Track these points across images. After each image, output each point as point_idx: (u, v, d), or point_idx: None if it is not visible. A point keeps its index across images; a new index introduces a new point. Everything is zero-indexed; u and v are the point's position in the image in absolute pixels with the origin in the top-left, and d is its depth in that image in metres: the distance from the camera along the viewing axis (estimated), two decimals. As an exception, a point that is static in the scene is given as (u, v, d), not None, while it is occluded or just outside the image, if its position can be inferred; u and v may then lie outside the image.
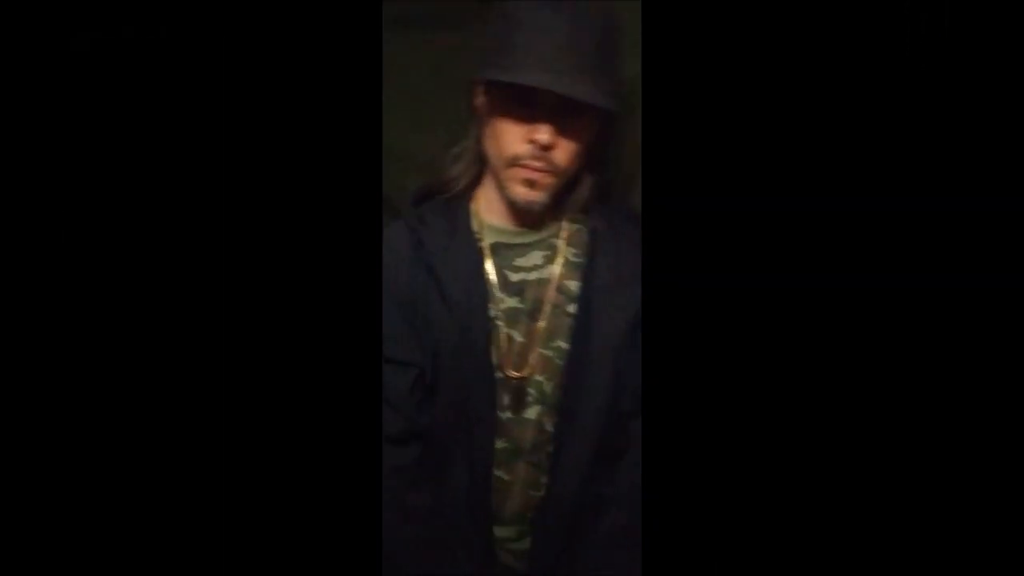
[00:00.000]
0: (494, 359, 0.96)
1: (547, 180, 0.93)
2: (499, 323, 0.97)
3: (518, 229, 0.99)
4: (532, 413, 0.97)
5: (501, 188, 0.96)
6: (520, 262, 0.99)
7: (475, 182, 1.00)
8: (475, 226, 0.99)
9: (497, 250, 0.99)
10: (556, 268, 0.98)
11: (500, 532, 0.98)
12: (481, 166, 0.98)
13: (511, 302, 0.97)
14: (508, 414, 0.97)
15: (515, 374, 0.96)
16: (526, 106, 0.89)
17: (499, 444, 0.96)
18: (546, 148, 0.90)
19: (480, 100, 0.94)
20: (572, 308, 0.97)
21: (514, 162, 0.92)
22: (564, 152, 0.91)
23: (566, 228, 1.00)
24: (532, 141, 0.90)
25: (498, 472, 0.97)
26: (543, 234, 1.00)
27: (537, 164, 0.91)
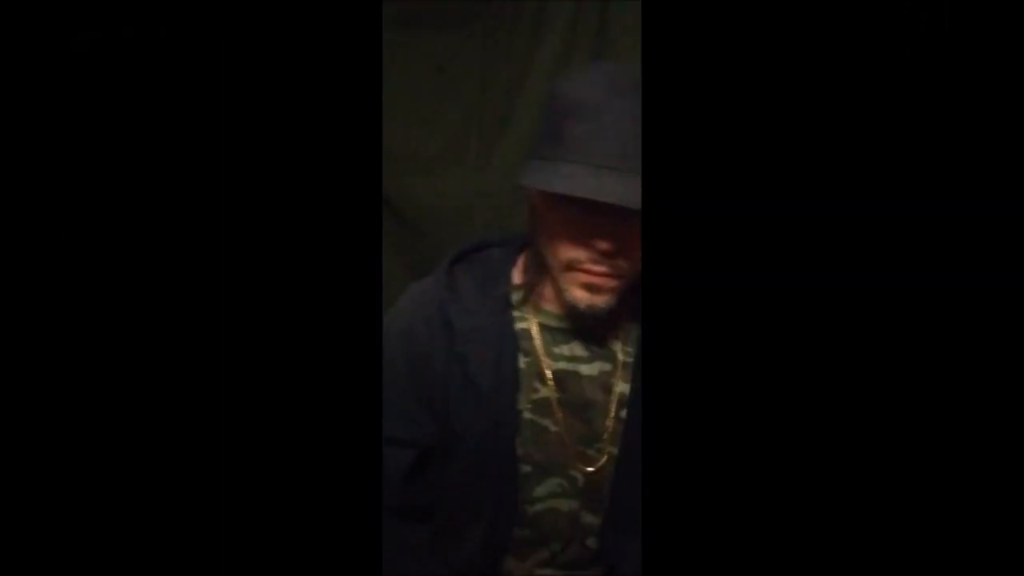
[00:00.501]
0: (525, 453, 0.88)
1: (611, 284, 0.83)
2: (537, 418, 0.88)
3: (567, 323, 0.90)
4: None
5: (559, 290, 0.86)
6: (559, 350, 0.90)
7: (531, 275, 0.90)
8: (517, 311, 0.90)
9: (540, 332, 0.90)
10: (603, 365, 0.90)
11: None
12: (539, 267, 0.88)
13: (546, 392, 0.89)
14: (536, 507, 0.90)
15: (590, 470, 0.88)
16: (585, 211, 0.79)
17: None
18: (608, 255, 0.81)
19: (535, 198, 0.85)
20: (621, 413, 0.89)
21: (573, 266, 0.83)
22: (629, 258, 0.82)
23: (621, 323, 0.90)
24: (593, 247, 0.81)
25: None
26: (602, 349, 0.91)
27: (599, 269, 0.82)
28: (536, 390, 0.88)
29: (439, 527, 0.91)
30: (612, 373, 0.89)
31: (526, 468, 0.88)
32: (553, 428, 0.88)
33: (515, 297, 0.89)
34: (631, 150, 0.75)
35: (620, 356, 0.89)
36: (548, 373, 0.88)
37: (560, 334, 0.89)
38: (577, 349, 0.89)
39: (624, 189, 0.75)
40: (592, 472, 0.88)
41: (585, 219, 0.79)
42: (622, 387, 0.89)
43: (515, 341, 0.88)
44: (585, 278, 0.82)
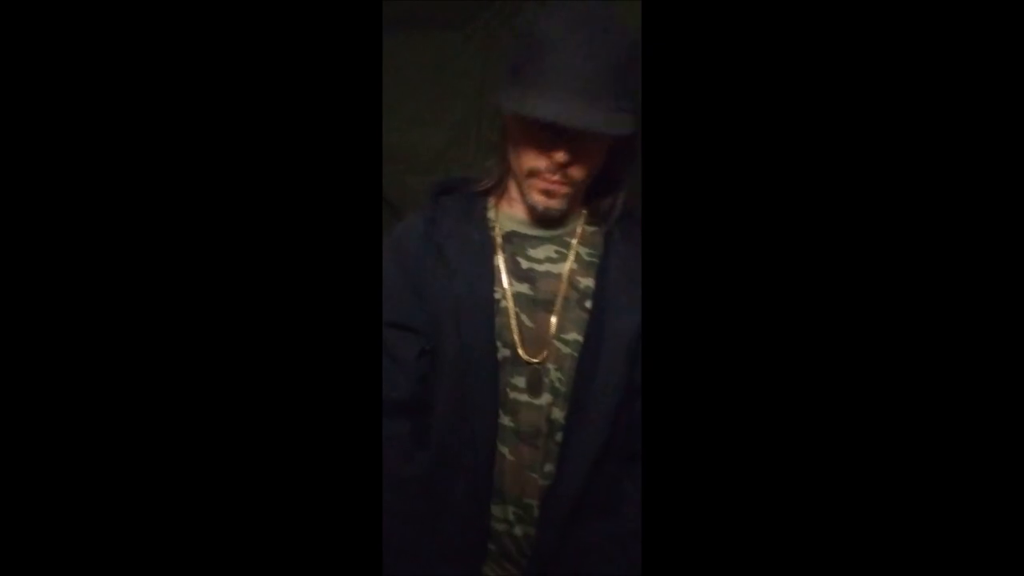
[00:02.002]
0: (501, 339, 1.00)
1: (563, 190, 1.00)
2: (505, 305, 1.01)
3: (534, 226, 1.05)
4: (543, 400, 1.00)
5: (522, 194, 1.03)
6: (532, 253, 1.04)
7: (499, 184, 1.06)
8: (491, 216, 1.06)
9: (510, 238, 1.04)
10: (568, 264, 1.03)
11: (496, 511, 1.01)
12: (505, 172, 1.05)
13: (520, 287, 1.02)
14: (516, 395, 1.00)
15: (532, 359, 0.99)
16: (545, 129, 0.94)
17: (504, 421, 1.00)
18: (564, 165, 0.97)
19: (508, 119, 1.01)
20: (586, 303, 1.01)
21: (533, 174, 0.99)
22: (581, 169, 0.99)
23: (580, 228, 1.05)
24: (550, 157, 0.97)
25: (501, 448, 1.00)
26: (558, 231, 1.05)
27: (554, 177, 0.98)
28: (512, 284, 1.01)
29: (434, 419, 1.01)
30: (577, 271, 1.03)
31: (504, 352, 1.00)
32: (528, 323, 1.00)
33: (491, 209, 1.06)
34: (589, 77, 0.91)
35: (584, 256, 1.04)
36: (523, 269, 1.02)
37: (531, 239, 1.04)
38: (548, 251, 1.04)
39: (583, 113, 0.91)
40: (538, 360, 1.00)
41: (547, 136, 0.95)
42: (586, 282, 1.03)
43: (491, 241, 1.03)
44: (543, 184, 0.99)
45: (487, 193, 1.06)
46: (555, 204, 1.00)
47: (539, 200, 1.00)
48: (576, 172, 0.98)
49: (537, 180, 0.99)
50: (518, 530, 1.00)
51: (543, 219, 1.03)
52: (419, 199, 1.33)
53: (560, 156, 0.95)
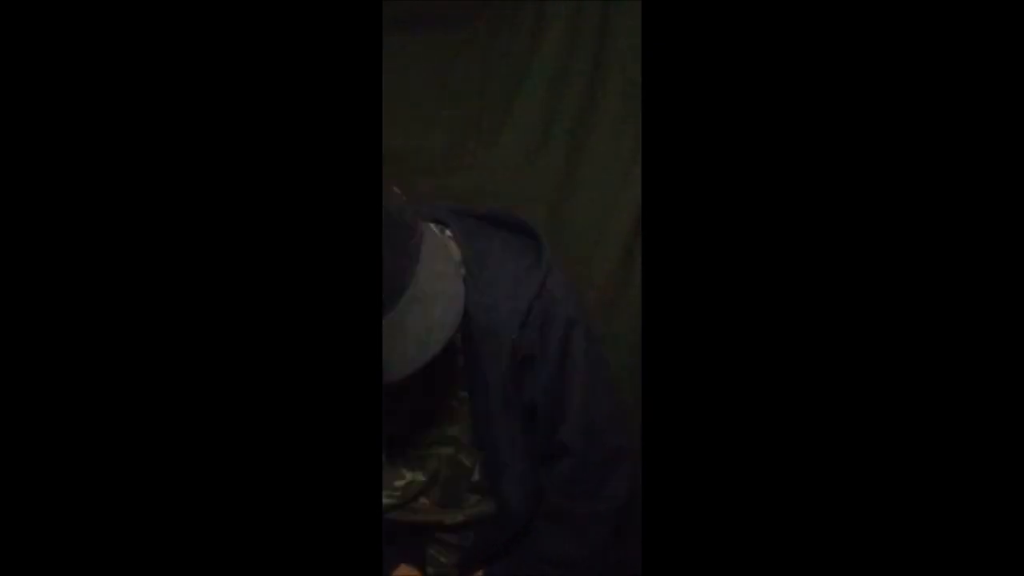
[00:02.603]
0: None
1: None
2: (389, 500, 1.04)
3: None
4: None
5: None
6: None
7: None
8: None
9: None
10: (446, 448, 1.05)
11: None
12: None
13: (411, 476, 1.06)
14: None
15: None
16: None
17: (412, 477, 1.04)
18: None
19: None
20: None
21: None
22: None
23: None
24: None
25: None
26: None
27: None
28: (403, 476, 1.03)
29: None
30: (455, 453, 1.03)
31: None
32: (424, 500, 1.03)
33: None
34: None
35: (459, 437, 1.02)
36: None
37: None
38: (432, 436, 1.04)
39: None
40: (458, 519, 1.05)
41: None
42: (467, 461, 1.03)
43: None
44: None
45: None
46: None
47: None
48: None
49: None
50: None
51: None
52: (419, 200, 1.33)
53: None
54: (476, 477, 1.03)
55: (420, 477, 1.04)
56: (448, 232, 1.02)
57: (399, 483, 1.04)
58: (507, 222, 1.06)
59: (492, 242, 1.03)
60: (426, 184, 1.28)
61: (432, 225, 1.00)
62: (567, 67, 1.25)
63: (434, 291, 0.88)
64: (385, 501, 1.03)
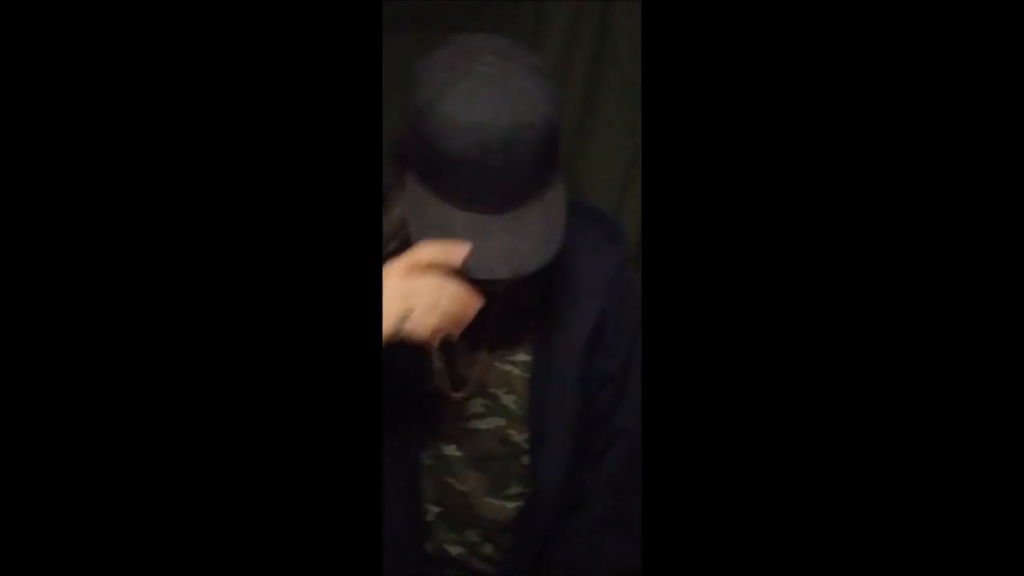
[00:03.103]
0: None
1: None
2: (439, 466, 0.96)
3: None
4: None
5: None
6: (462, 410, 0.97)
7: None
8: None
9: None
10: (496, 419, 0.96)
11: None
12: None
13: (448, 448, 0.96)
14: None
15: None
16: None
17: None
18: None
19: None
20: (518, 456, 0.95)
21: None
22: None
23: (511, 373, 0.96)
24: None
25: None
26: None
27: None
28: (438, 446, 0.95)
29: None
30: (507, 425, 0.95)
31: (431, 513, 0.96)
32: (459, 487, 0.95)
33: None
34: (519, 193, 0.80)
35: (513, 408, 0.95)
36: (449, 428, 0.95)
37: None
38: (475, 406, 0.95)
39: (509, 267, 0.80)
40: (506, 514, 0.96)
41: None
42: (516, 437, 0.95)
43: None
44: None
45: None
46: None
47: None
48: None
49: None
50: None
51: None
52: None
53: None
54: (526, 461, 0.96)
55: (456, 452, 0.96)
56: None
57: (428, 458, 0.96)
58: (582, 205, 1.02)
59: (573, 216, 0.96)
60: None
61: None
62: (567, 67, 1.25)
63: (557, 204, 0.84)
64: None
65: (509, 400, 0.95)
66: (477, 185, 0.80)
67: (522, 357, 0.94)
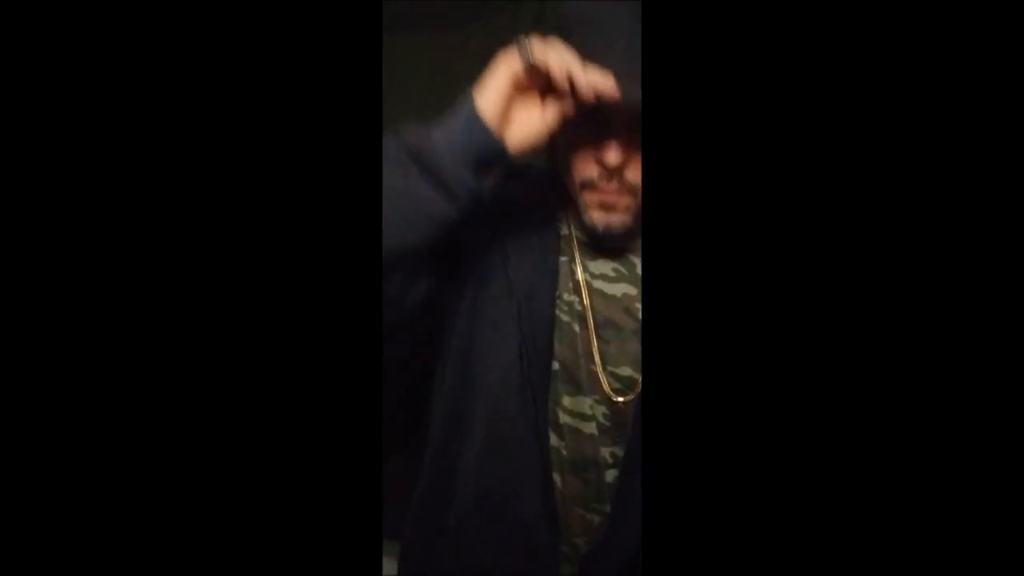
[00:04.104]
0: (555, 349, 0.89)
1: (623, 202, 0.85)
2: (564, 316, 0.89)
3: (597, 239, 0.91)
4: (592, 428, 0.90)
5: (581, 214, 0.88)
6: (591, 266, 0.91)
7: (553, 186, 0.91)
8: (560, 215, 0.93)
9: (571, 242, 0.91)
10: (624, 287, 0.91)
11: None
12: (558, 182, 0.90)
13: (573, 299, 0.90)
14: (567, 418, 0.90)
15: (619, 399, 0.89)
16: (594, 122, 0.82)
17: (554, 443, 0.90)
18: (618, 169, 0.83)
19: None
20: (639, 334, 0.89)
21: (586, 186, 0.85)
22: (637, 171, 0.83)
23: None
24: (602, 163, 0.83)
25: (553, 476, 0.90)
26: (623, 246, 0.91)
27: (611, 185, 0.84)
28: (567, 290, 0.90)
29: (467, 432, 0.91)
30: (636, 297, 0.90)
31: (556, 365, 0.89)
32: (579, 334, 0.89)
33: (558, 209, 0.92)
34: (636, 55, 0.77)
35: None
36: (579, 280, 0.89)
37: (591, 249, 0.91)
38: (604, 267, 0.91)
39: (638, 93, 0.75)
40: (619, 402, 0.89)
41: (592, 134, 0.82)
42: (639, 308, 0.89)
43: (558, 242, 0.90)
44: (599, 197, 0.85)
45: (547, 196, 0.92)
46: (616, 221, 0.85)
47: (598, 218, 0.86)
48: (633, 175, 0.83)
49: (592, 193, 0.85)
50: (565, 568, 0.90)
51: (606, 242, 0.89)
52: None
53: (612, 157, 0.81)
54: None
55: (575, 302, 0.89)
56: None
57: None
58: None
59: None
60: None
61: None
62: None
63: None
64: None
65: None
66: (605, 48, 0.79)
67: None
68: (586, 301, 0.90)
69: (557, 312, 0.89)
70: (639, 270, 0.91)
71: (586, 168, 0.84)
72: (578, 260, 0.91)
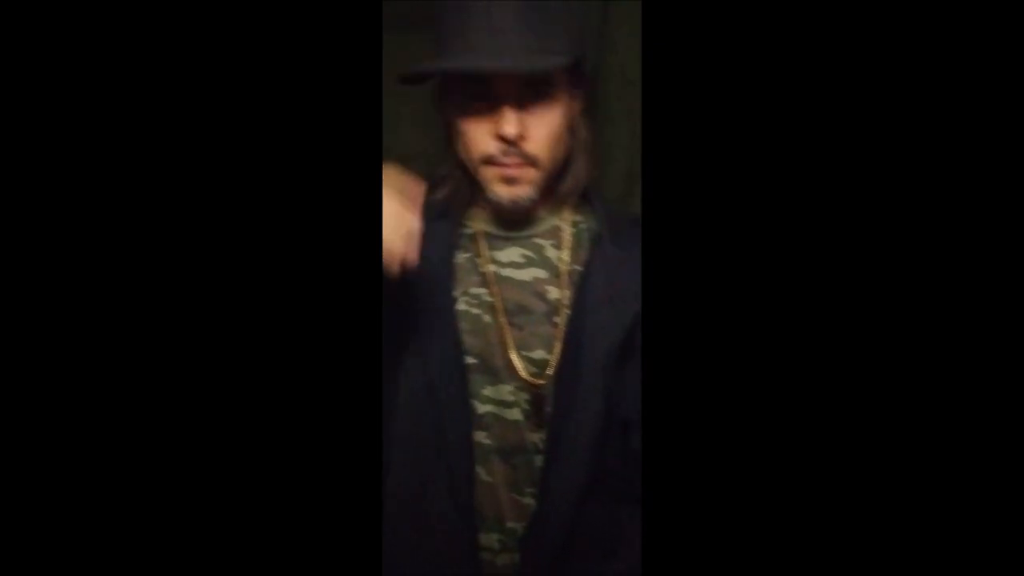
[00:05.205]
0: (467, 343, 0.90)
1: (526, 174, 0.87)
2: (473, 310, 0.91)
3: (504, 226, 0.93)
4: (515, 414, 0.91)
5: (484, 191, 0.89)
6: (497, 255, 0.93)
7: (459, 188, 0.93)
8: (466, 214, 0.95)
9: (476, 238, 0.93)
10: (535, 272, 0.93)
11: (481, 540, 0.92)
12: (461, 172, 0.92)
13: (479, 290, 0.92)
14: (489, 407, 0.91)
15: (534, 381, 0.89)
16: (484, 98, 0.84)
17: (478, 437, 0.91)
18: (516, 141, 0.84)
19: (442, 103, 0.90)
20: (554, 318, 0.91)
21: (488, 161, 0.87)
22: (538, 143, 0.86)
23: (563, 230, 0.94)
24: (499, 136, 0.84)
25: (477, 467, 0.91)
26: (529, 232, 0.94)
27: (511, 160, 0.85)
28: (473, 284, 0.91)
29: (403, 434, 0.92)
30: (546, 279, 0.92)
31: (470, 359, 0.90)
32: (491, 324, 0.91)
33: (467, 208, 0.94)
34: (513, 32, 0.80)
35: (558, 265, 0.92)
36: (486, 272, 0.91)
37: (498, 240, 0.93)
38: (513, 255, 0.92)
39: (512, 59, 0.79)
40: (533, 384, 0.90)
41: (485, 109, 0.83)
42: (555, 294, 0.91)
43: (455, 240, 0.92)
44: (500, 171, 0.86)
45: (452, 199, 0.94)
46: (521, 192, 0.87)
47: (502, 192, 0.87)
48: (533, 147, 0.85)
49: (493, 168, 0.86)
50: (503, 558, 0.91)
51: (513, 215, 0.91)
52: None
53: (509, 128, 0.83)
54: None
55: (483, 294, 0.90)
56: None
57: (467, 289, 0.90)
58: (617, 210, 1.02)
59: (628, 226, 0.95)
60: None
61: None
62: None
63: None
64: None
65: (553, 254, 0.92)
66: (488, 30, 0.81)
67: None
68: (495, 290, 0.91)
69: (464, 307, 0.91)
70: (548, 252, 0.93)
71: (484, 144, 0.85)
72: (485, 254, 0.92)
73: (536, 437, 0.91)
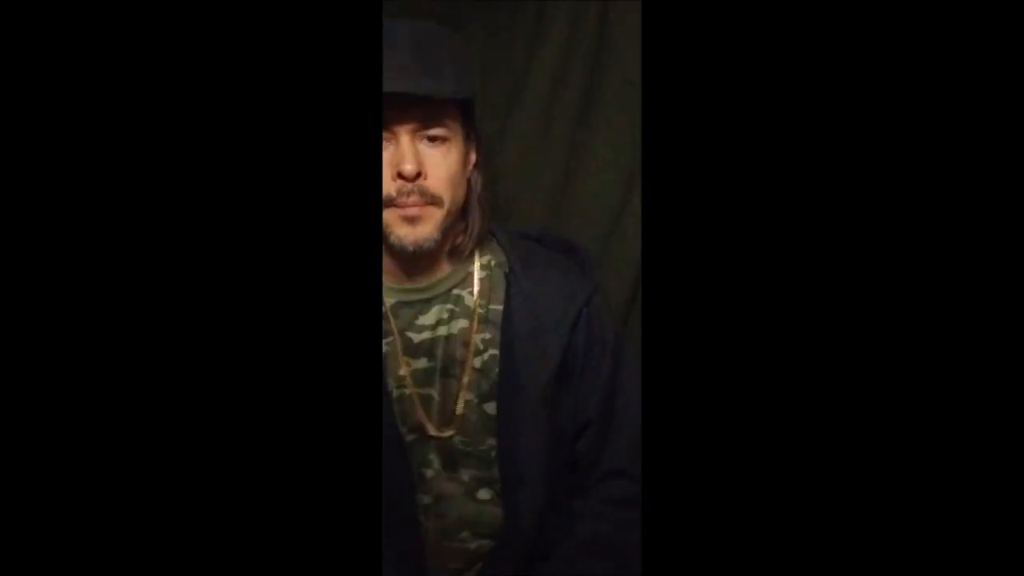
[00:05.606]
0: (407, 424, 0.92)
1: (427, 213, 0.86)
2: (406, 388, 0.92)
3: (416, 284, 0.93)
4: (466, 476, 0.94)
5: (387, 239, 0.87)
6: (422, 320, 0.93)
7: None
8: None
9: (396, 312, 0.92)
10: (460, 323, 0.93)
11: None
12: None
13: (419, 364, 0.92)
14: (432, 471, 0.94)
15: (441, 434, 0.92)
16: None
17: (424, 500, 0.94)
18: (415, 178, 0.84)
19: None
20: (485, 365, 0.92)
21: (388, 203, 0.85)
22: (438, 179, 0.85)
23: (474, 274, 0.94)
24: (399, 175, 0.84)
25: (428, 524, 0.94)
26: (445, 284, 0.94)
27: (412, 199, 0.85)
28: (408, 363, 0.91)
29: None
30: (474, 328, 0.92)
31: (410, 436, 0.92)
32: (437, 397, 0.91)
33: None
34: (413, 59, 0.81)
35: (479, 309, 0.92)
36: (416, 343, 0.91)
37: (417, 305, 0.92)
38: (438, 314, 0.92)
39: (406, 82, 0.79)
40: (448, 434, 0.92)
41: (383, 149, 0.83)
42: (484, 337, 0.92)
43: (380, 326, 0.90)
44: (401, 212, 0.85)
45: None
46: (424, 233, 0.85)
47: (405, 234, 0.85)
48: (434, 185, 0.85)
49: (394, 210, 0.85)
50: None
51: (419, 261, 0.90)
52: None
53: (408, 166, 0.82)
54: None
55: (424, 363, 0.91)
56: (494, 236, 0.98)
57: (402, 371, 0.91)
58: (546, 238, 1.03)
59: (537, 251, 0.98)
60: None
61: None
62: (567, 67, 1.25)
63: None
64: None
65: (471, 300, 0.93)
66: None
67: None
68: (404, 360, 0.92)
69: (395, 392, 0.92)
70: (467, 300, 0.93)
71: (384, 186, 0.84)
72: (405, 327, 0.92)
73: (487, 494, 0.93)
